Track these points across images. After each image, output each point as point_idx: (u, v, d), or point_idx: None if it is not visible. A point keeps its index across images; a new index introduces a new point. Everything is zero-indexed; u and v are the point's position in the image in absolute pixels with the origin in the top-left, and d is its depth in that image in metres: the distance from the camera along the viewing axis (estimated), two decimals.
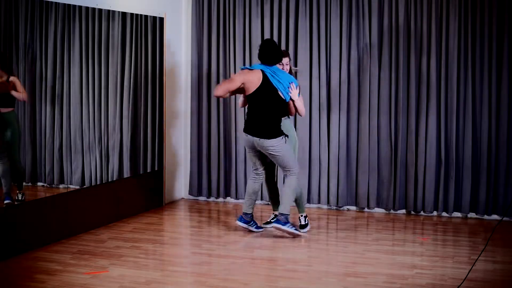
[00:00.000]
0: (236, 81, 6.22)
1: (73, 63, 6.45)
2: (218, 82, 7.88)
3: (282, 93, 6.18)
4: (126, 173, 7.19)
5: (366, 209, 7.56)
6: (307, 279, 5.17)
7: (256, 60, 7.69)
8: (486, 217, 7.20)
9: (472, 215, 7.27)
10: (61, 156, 6.41)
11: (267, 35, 7.65)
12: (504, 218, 7.05)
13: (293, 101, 6.29)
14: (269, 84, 6.18)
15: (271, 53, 6.21)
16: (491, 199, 7.13)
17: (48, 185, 6.33)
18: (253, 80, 6.19)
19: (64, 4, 6.25)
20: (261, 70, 6.22)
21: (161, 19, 7.56)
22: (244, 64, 7.75)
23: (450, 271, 5.35)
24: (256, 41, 7.68)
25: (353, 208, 7.61)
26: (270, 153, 6.23)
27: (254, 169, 6.47)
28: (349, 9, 7.41)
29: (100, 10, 6.68)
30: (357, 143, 7.47)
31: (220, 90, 6.23)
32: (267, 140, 6.17)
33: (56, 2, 6.16)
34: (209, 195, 8.07)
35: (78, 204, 6.41)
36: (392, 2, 7.27)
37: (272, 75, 6.18)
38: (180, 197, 8.20)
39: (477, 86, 7.10)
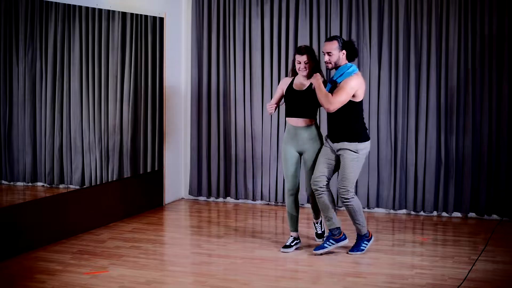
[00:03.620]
0: None
1: (73, 63, 6.45)
2: (218, 82, 7.89)
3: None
4: (126, 173, 7.19)
5: (366, 209, 7.56)
6: (307, 279, 5.17)
7: (254, 60, 7.70)
8: (486, 217, 7.21)
9: (472, 215, 7.26)
10: (61, 156, 6.41)
11: (267, 35, 7.64)
12: (504, 218, 7.05)
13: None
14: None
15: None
16: (491, 199, 7.13)
17: (48, 185, 6.33)
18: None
19: (64, 4, 6.25)
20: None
21: (161, 19, 7.56)
22: (243, 65, 7.75)
23: (450, 271, 5.35)
24: (256, 41, 7.68)
25: None
26: None
27: None
28: (349, 9, 7.41)
29: (100, 10, 6.68)
30: None
31: None
32: None
33: (56, 2, 6.16)
34: (209, 195, 8.07)
35: (78, 204, 6.41)
36: (392, 2, 7.27)
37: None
38: (180, 197, 8.20)
39: (477, 86, 7.09)
